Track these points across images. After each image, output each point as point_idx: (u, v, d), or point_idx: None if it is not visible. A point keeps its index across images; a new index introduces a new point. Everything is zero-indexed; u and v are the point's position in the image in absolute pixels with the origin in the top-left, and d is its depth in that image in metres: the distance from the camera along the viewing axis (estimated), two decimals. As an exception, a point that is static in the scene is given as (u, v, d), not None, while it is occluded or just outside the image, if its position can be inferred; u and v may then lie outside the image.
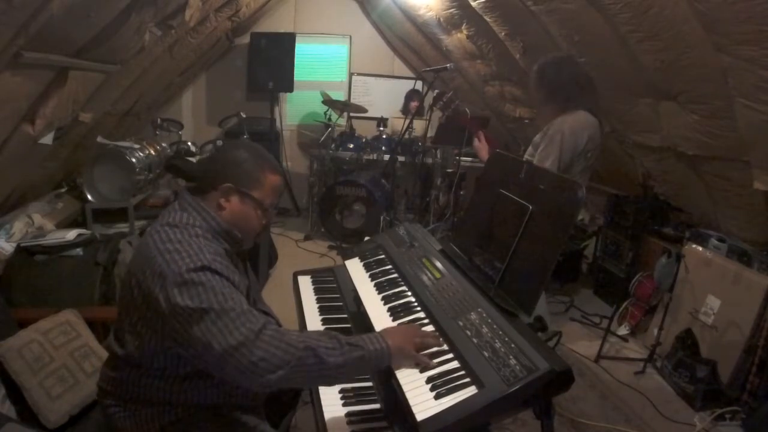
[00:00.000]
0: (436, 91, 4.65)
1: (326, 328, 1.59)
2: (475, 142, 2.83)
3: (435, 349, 1.23)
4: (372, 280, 1.65)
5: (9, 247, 2.40)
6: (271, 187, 1.31)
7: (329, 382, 1.27)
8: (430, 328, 1.33)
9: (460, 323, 1.28)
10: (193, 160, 3.71)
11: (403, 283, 1.59)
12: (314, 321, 1.64)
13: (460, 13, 3.60)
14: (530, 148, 2.71)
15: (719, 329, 2.50)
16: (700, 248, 2.76)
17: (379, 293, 1.56)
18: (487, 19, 3.26)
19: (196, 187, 1.31)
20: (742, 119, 2.04)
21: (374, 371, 1.28)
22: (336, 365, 1.12)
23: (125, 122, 4.17)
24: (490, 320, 1.25)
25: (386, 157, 4.47)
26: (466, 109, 3.44)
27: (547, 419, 1.16)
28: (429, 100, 4.37)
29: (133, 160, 3.38)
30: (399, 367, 1.20)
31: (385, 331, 1.24)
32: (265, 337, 1.09)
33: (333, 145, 4.71)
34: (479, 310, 1.30)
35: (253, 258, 3.09)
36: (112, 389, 1.27)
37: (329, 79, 5.54)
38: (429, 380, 1.14)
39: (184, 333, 1.10)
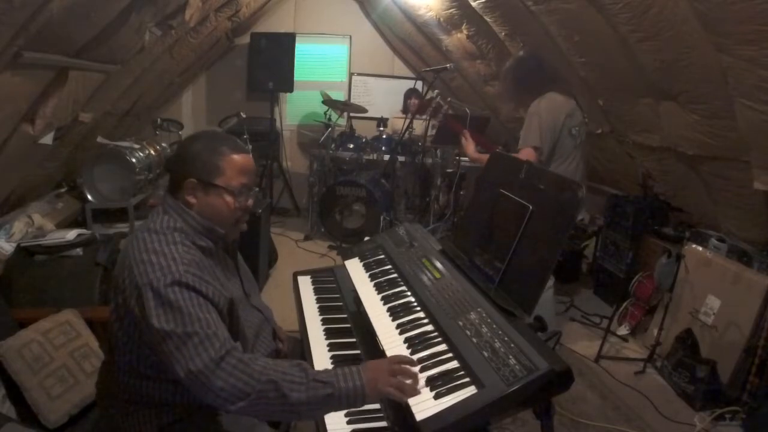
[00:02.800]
0: (416, 100, 4.62)
1: (326, 328, 1.59)
2: (462, 140, 2.94)
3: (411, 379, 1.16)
4: (372, 280, 1.65)
5: (9, 247, 2.40)
6: (234, 170, 1.25)
7: (297, 418, 1.21)
8: (429, 327, 1.33)
9: (460, 323, 1.28)
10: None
11: (402, 283, 1.58)
12: (314, 321, 1.63)
13: (460, 13, 3.60)
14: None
15: (719, 329, 2.50)
16: (700, 248, 2.76)
17: (378, 293, 1.56)
18: (487, 19, 3.26)
19: (170, 187, 1.30)
20: (742, 119, 2.04)
21: (348, 408, 1.18)
22: (299, 401, 1.08)
23: (125, 122, 4.17)
24: (489, 320, 1.25)
25: (386, 157, 4.47)
26: (467, 109, 3.44)
27: (547, 419, 1.16)
28: (410, 107, 4.31)
29: (133, 160, 3.39)
30: (376, 401, 1.17)
31: (365, 366, 1.17)
32: (226, 367, 1.07)
33: (333, 145, 4.71)
34: (479, 310, 1.30)
35: (253, 258, 3.09)
36: (109, 390, 1.27)
37: (329, 79, 5.54)
38: (429, 380, 1.14)
39: (155, 349, 1.12)
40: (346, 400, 1.11)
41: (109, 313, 1.27)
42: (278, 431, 1.51)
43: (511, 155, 1.99)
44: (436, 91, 3.90)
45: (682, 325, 2.71)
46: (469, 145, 2.89)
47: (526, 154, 2.55)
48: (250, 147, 4.43)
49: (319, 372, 1.14)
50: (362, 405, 1.14)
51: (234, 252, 1.43)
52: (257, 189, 1.41)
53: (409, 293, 1.52)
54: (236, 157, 1.27)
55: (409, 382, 1.14)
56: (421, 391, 1.13)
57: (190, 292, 1.11)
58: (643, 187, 3.40)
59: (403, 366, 1.18)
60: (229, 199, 1.26)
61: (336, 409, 1.15)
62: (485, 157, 2.78)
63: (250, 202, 1.32)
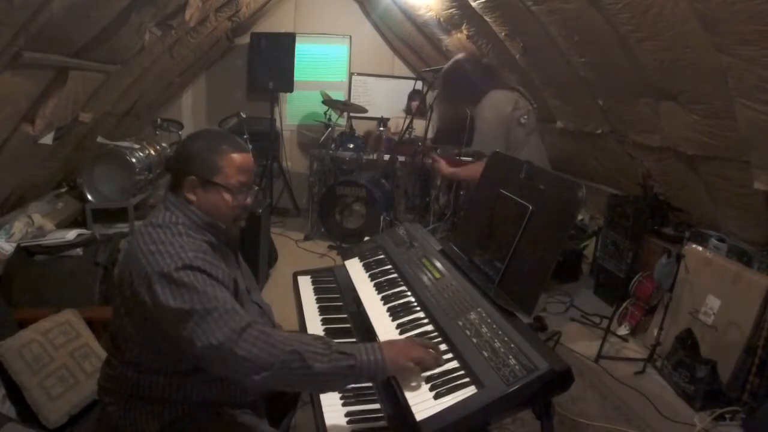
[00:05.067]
0: (416, 103, 4.76)
1: (326, 328, 1.59)
2: (433, 164, 3.02)
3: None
4: (372, 280, 1.65)
5: (9, 247, 2.40)
6: (233, 168, 1.27)
7: (319, 389, 1.23)
8: (429, 327, 1.33)
9: (460, 323, 1.28)
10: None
11: (402, 283, 1.58)
12: (314, 321, 1.63)
13: (460, 13, 3.60)
14: None
15: (719, 329, 2.50)
16: (700, 248, 2.76)
17: (378, 293, 1.56)
18: (487, 19, 3.26)
19: (171, 185, 1.31)
20: (742, 119, 2.04)
21: (368, 382, 1.22)
22: (322, 372, 1.09)
23: (125, 122, 4.17)
24: (489, 320, 1.25)
25: (386, 157, 4.47)
26: (467, 110, 3.43)
27: (547, 419, 1.16)
28: (430, 99, 4.36)
29: (133, 160, 3.39)
30: (395, 374, 1.18)
31: (384, 342, 1.22)
32: (248, 337, 1.08)
33: (333, 145, 4.71)
34: (479, 310, 1.30)
35: (253, 258, 3.09)
36: (111, 387, 1.27)
37: (329, 79, 5.54)
38: (428, 380, 1.14)
39: (169, 332, 1.12)
40: (367, 372, 1.13)
41: (108, 313, 1.27)
42: (278, 430, 1.51)
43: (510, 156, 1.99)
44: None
45: (682, 325, 2.71)
46: (441, 165, 2.96)
47: (478, 165, 2.60)
48: (250, 147, 4.42)
49: (340, 345, 1.16)
50: (382, 379, 1.17)
51: (235, 246, 1.44)
52: (257, 188, 1.44)
53: (409, 293, 1.52)
54: (236, 155, 1.28)
55: (429, 357, 1.17)
56: (422, 390, 1.13)
57: (202, 274, 1.13)
58: (643, 187, 3.40)
59: (424, 341, 1.22)
60: (227, 196, 1.27)
61: (356, 382, 1.18)
62: (461, 171, 2.87)
63: (249, 200, 1.33)
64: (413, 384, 1.15)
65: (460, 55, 2.92)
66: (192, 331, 1.07)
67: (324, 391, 1.26)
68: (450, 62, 2.87)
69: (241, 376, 1.08)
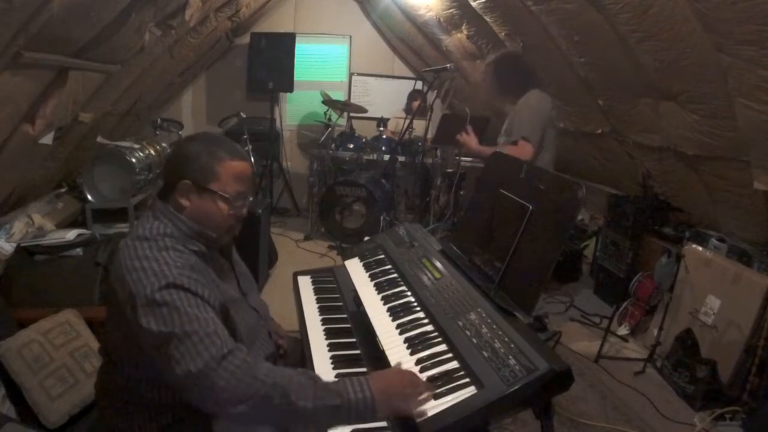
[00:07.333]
0: (416, 102, 4.82)
1: (326, 328, 1.59)
2: (462, 136, 3.03)
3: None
4: (372, 280, 1.65)
5: (9, 247, 2.40)
6: (230, 176, 1.22)
7: (303, 428, 1.12)
8: (429, 327, 1.33)
9: (460, 323, 1.28)
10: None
11: (402, 283, 1.58)
12: (314, 321, 1.63)
13: (460, 13, 3.60)
14: (501, 138, 2.87)
15: (719, 329, 2.50)
16: (700, 248, 2.76)
17: (378, 293, 1.56)
18: (487, 19, 3.26)
19: (162, 190, 1.26)
20: (742, 119, 2.04)
21: (358, 422, 1.10)
22: (305, 410, 1.02)
23: (125, 122, 4.17)
24: (489, 320, 1.25)
25: (386, 157, 4.47)
26: (467, 109, 3.44)
27: (547, 419, 1.16)
28: (430, 99, 4.37)
29: (133, 160, 3.39)
30: (387, 415, 1.09)
31: (376, 375, 1.12)
32: (229, 366, 1.03)
33: (333, 145, 4.71)
34: (479, 310, 1.30)
35: (253, 258, 3.09)
36: (108, 392, 1.27)
37: (329, 79, 5.54)
38: (429, 380, 1.14)
39: (151, 353, 1.09)
40: (356, 413, 1.05)
41: (105, 321, 1.25)
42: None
43: (509, 155, 1.99)
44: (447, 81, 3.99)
45: (682, 325, 2.71)
46: (471, 140, 2.99)
47: (523, 145, 2.68)
48: (250, 147, 4.44)
49: (327, 382, 1.10)
50: (372, 419, 1.08)
51: (229, 252, 1.41)
52: (251, 198, 1.40)
53: (409, 293, 1.52)
54: (234, 163, 1.24)
55: (421, 396, 1.08)
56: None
57: (186, 293, 1.09)
58: (643, 187, 3.40)
59: (415, 377, 1.13)
60: (222, 205, 1.23)
61: (344, 423, 1.09)
62: (489, 149, 2.87)
63: (245, 211, 1.29)
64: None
65: (508, 49, 3.06)
66: (171, 355, 1.03)
67: (309, 429, 1.16)
68: (502, 52, 2.99)
69: (218, 407, 1.02)
